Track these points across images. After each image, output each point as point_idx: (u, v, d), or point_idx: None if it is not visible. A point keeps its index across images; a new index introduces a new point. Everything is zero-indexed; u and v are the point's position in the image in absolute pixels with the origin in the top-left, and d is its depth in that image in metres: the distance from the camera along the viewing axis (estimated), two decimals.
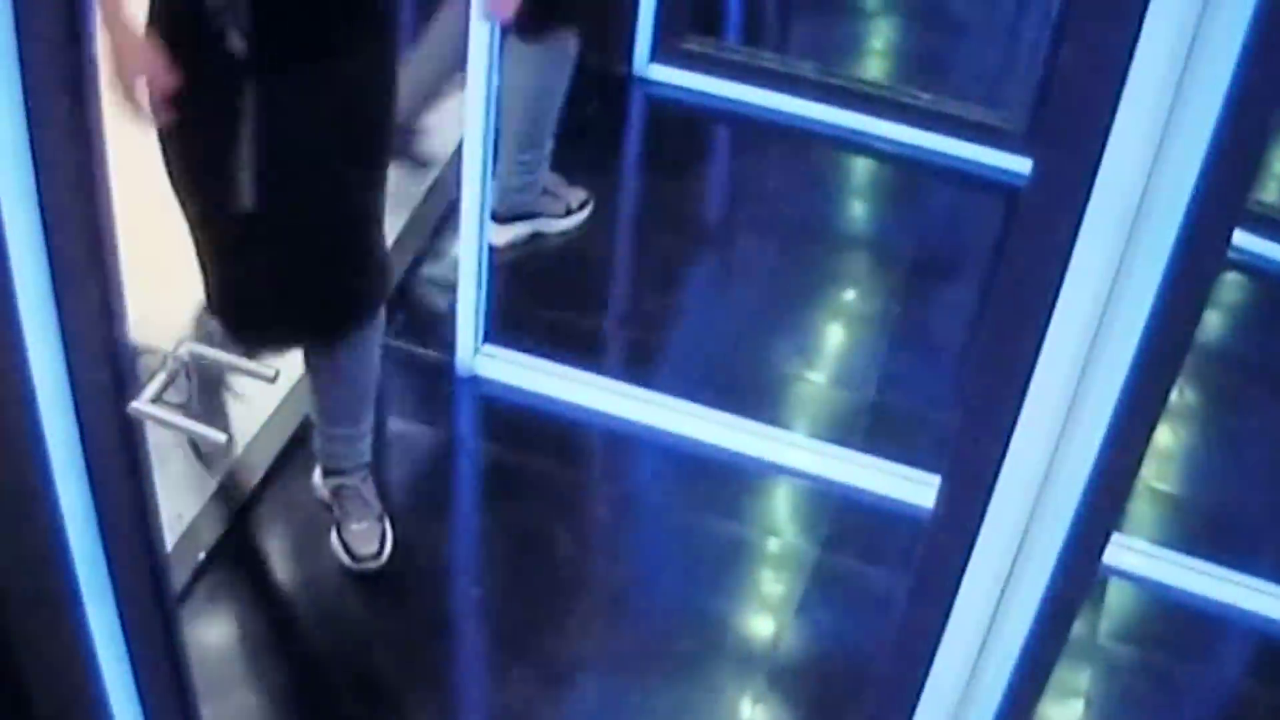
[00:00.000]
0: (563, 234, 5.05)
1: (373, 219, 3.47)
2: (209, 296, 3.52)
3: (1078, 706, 3.86)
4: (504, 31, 4.07)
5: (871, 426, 4.61)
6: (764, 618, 4.11)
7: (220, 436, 2.38)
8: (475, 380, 4.55)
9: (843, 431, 4.58)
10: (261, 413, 4.29)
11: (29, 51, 1.73)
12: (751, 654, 3.96)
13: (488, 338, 4.54)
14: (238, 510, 4.09)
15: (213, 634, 3.83)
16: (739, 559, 4.26)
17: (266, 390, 3.02)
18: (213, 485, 4.10)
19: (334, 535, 4.00)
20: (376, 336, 3.73)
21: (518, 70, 4.59)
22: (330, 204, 3.35)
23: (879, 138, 5.72)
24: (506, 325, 4.58)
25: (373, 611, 3.92)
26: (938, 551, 2.00)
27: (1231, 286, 5.24)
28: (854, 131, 5.74)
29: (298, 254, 3.40)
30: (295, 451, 4.25)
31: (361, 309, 3.63)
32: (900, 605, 2.01)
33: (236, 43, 3.00)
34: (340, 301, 3.59)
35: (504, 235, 4.96)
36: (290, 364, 3.82)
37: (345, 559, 3.97)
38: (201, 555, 3.93)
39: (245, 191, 3.18)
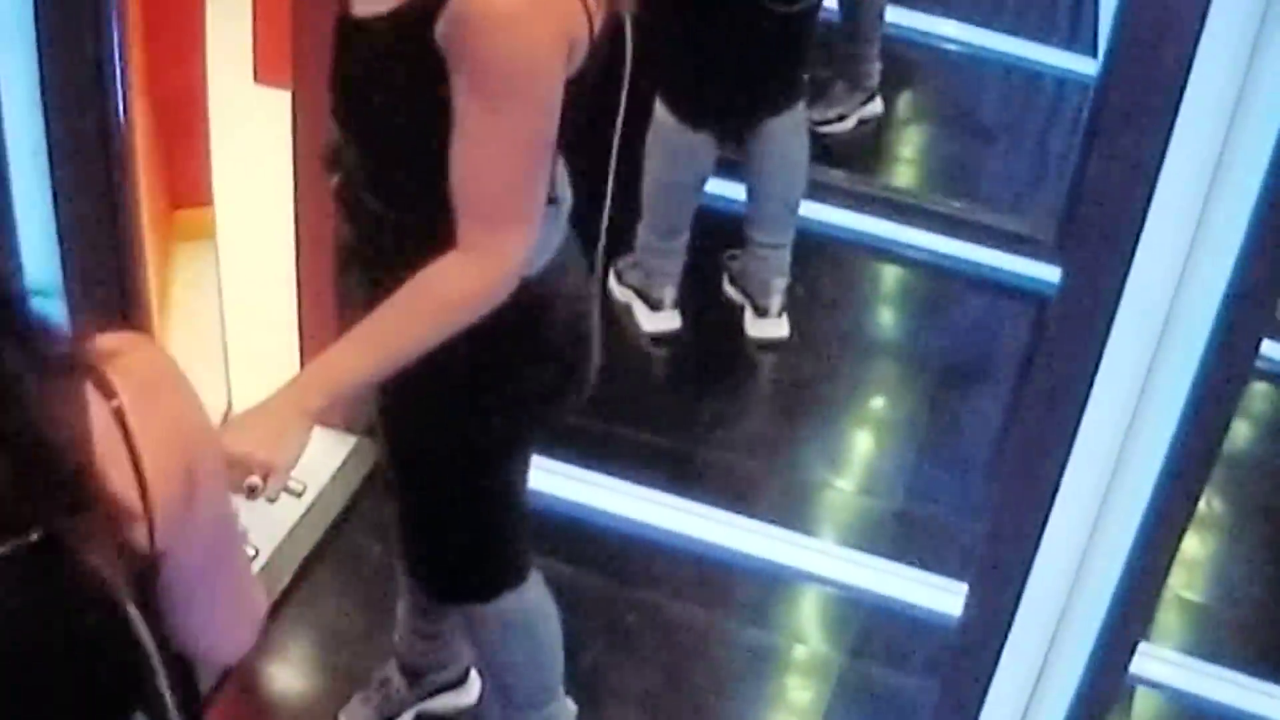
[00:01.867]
0: None
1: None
2: None
3: None
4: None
5: (899, 534, 4.60)
6: None
7: (248, 553, 2.41)
8: None
9: (870, 539, 4.58)
10: (284, 525, 4.27)
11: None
12: None
13: None
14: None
15: None
16: (766, 666, 4.25)
17: (291, 502, 3.02)
18: None
19: None
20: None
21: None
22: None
23: (908, 245, 5.73)
24: None
25: None
26: (965, 660, 2.00)
27: (1259, 396, 5.23)
28: (883, 239, 5.75)
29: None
30: (316, 565, 4.25)
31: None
32: (928, 714, 2.00)
33: None
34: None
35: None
36: (316, 477, 3.82)
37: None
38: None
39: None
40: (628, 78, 2.95)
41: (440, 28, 2.55)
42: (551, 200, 2.84)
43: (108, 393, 1.58)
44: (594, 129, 2.94)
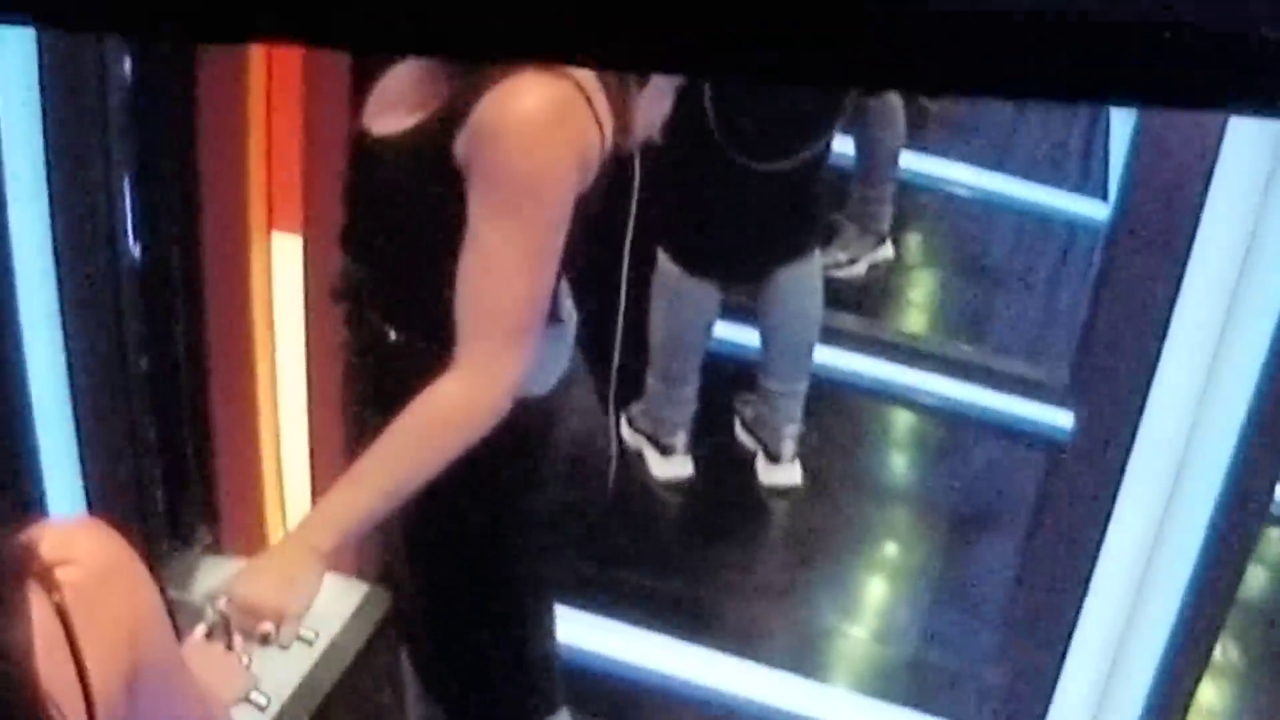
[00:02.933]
0: None
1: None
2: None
3: None
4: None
5: (914, 681, 4.57)
6: None
7: (260, 702, 2.40)
8: None
9: (885, 686, 4.54)
10: (296, 673, 4.24)
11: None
12: None
13: None
14: None
15: None
16: None
17: (303, 649, 2.99)
18: None
19: None
20: None
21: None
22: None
23: (920, 390, 5.73)
24: None
25: None
26: None
27: (1275, 541, 5.20)
28: (895, 384, 5.75)
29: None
30: (329, 714, 4.22)
31: None
32: None
33: None
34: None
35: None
36: (327, 624, 3.79)
37: None
38: None
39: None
40: (635, 204, 2.96)
41: (459, 142, 2.58)
42: (555, 320, 2.85)
43: (50, 586, 1.57)
44: (604, 255, 2.95)
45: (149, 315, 3.78)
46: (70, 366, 2.89)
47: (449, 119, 2.61)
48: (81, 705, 1.57)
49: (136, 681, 1.65)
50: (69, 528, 1.68)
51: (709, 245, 4.94)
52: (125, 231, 2.98)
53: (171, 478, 4.17)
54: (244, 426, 4.23)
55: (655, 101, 4.33)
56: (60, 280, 2.79)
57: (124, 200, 2.96)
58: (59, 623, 1.56)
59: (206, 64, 3.60)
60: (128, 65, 3.28)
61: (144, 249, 3.89)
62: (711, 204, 4.85)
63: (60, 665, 1.55)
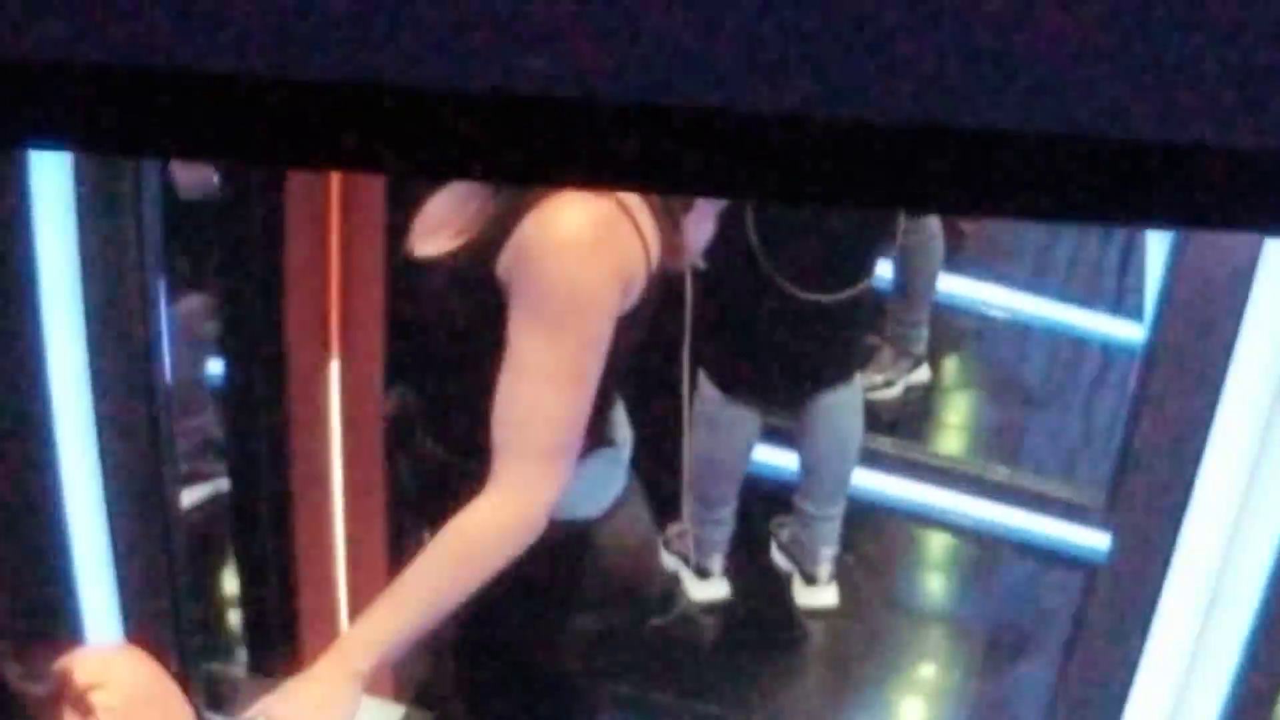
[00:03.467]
0: None
1: None
2: None
3: None
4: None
5: None
6: None
7: None
8: None
9: None
10: None
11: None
12: None
13: None
14: None
15: None
16: None
17: None
18: None
19: None
20: None
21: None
22: None
23: (956, 512, 5.71)
24: None
25: None
26: None
27: None
28: (931, 506, 5.74)
29: None
30: None
31: None
32: None
33: None
34: None
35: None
36: None
37: None
38: None
39: None
40: (689, 325, 2.97)
41: (501, 262, 2.60)
42: (610, 443, 2.85)
43: (85, 711, 1.59)
44: (658, 377, 2.96)
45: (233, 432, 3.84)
46: (106, 490, 2.90)
47: (492, 239, 2.63)
48: None
49: None
50: (105, 654, 1.70)
51: (751, 371, 4.94)
52: (161, 354, 2.99)
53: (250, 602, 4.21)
54: (322, 548, 4.23)
55: (699, 224, 4.36)
56: (96, 403, 2.81)
57: (160, 323, 2.98)
58: None
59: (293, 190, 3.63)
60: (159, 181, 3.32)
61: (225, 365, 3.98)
62: (756, 330, 4.85)
63: None
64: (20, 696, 1.55)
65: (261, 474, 3.98)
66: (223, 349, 4.26)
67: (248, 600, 4.25)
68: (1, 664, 1.55)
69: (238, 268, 3.72)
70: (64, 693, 1.58)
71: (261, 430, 3.91)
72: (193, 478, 5.04)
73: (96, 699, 1.59)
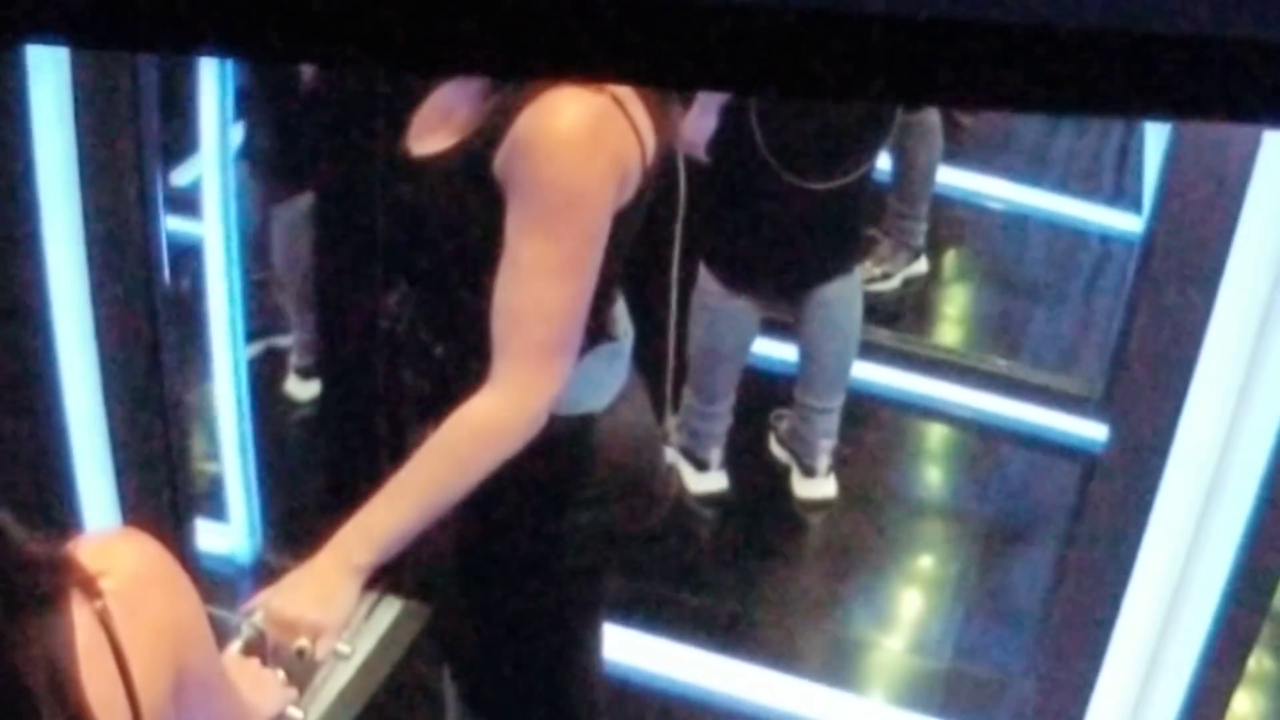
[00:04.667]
0: None
1: None
2: None
3: None
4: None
5: (949, 693, 4.56)
6: None
7: (297, 716, 2.41)
8: None
9: (920, 698, 4.54)
10: (331, 689, 4.25)
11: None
12: None
13: None
14: None
15: None
16: None
17: (339, 665, 2.99)
18: None
19: None
20: None
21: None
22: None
23: (954, 404, 5.73)
24: None
25: None
26: None
27: None
28: (930, 398, 5.75)
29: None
30: None
31: None
32: None
33: None
34: None
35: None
36: (363, 640, 3.79)
37: None
38: None
39: None
40: (681, 220, 2.97)
41: (498, 158, 2.60)
42: (611, 337, 2.86)
43: (92, 594, 1.58)
44: (653, 272, 2.96)
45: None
46: (105, 381, 2.91)
47: (488, 136, 2.63)
48: (128, 713, 1.59)
49: (180, 690, 1.66)
50: (109, 538, 1.70)
51: (752, 262, 4.95)
52: (160, 248, 2.99)
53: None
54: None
55: (701, 119, 4.34)
56: (95, 292, 2.81)
57: (159, 217, 2.97)
58: (102, 631, 1.58)
59: None
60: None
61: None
62: (756, 221, 4.85)
63: (105, 673, 1.57)
64: (23, 590, 1.55)
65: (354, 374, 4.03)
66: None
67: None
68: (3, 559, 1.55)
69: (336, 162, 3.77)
70: (69, 577, 1.58)
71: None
72: (249, 335, 5.25)
73: (103, 583, 1.60)
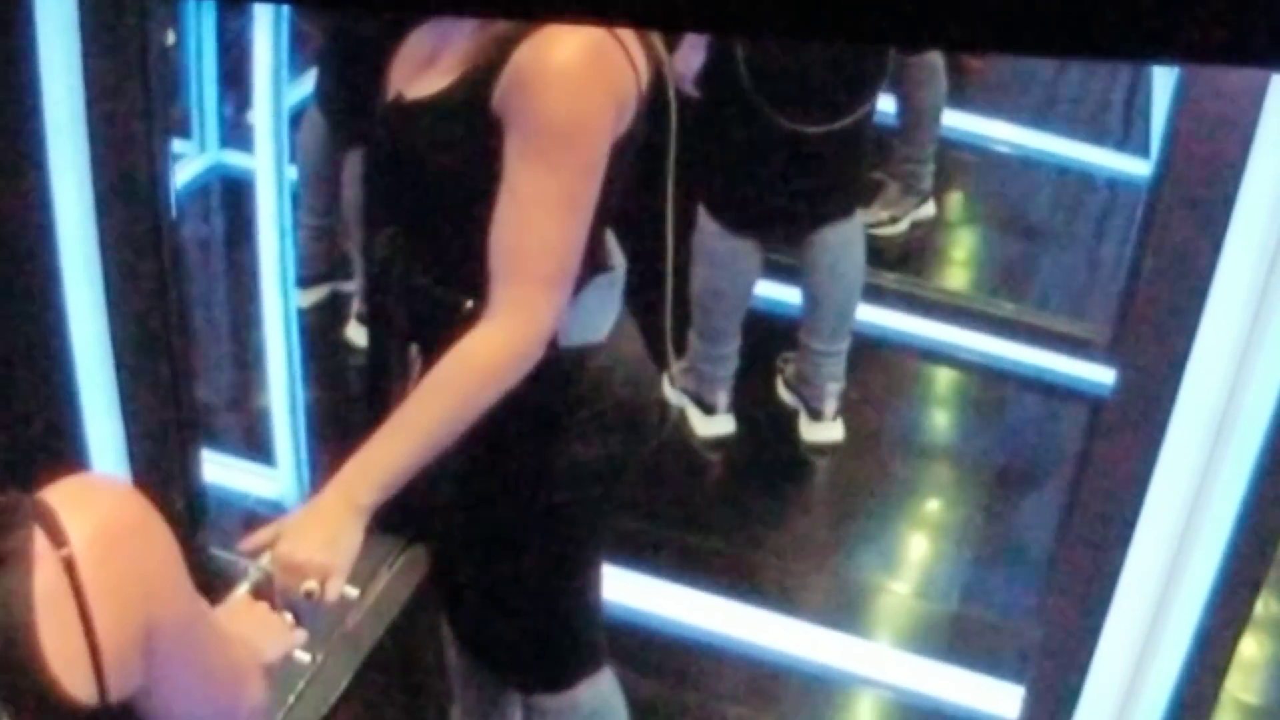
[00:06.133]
0: None
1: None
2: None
3: None
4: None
5: (954, 637, 4.57)
6: None
7: (304, 659, 2.42)
8: None
9: (925, 642, 4.55)
10: (339, 630, 4.25)
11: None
12: None
13: None
14: None
15: None
16: None
17: (346, 606, 2.98)
18: (289, 700, 4.07)
19: None
20: None
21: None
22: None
23: (961, 348, 5.72)
24: None
25: None
26: None
27: None
28: (937, 342, 5.75)
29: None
30: (371, 672, 4.24)
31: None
32: None
33: None
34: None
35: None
36: (370, 581, 3.80)
37: None
38: None
39: None
40: (673, 151, 2.98)
41: (496, 93, 2.61)
42: (605, 268, 2.87)
43: (59, 541, 1.56)
44: (650, 207, 2.96)
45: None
46: (112, 328, 2.91)
47: (485, 72, 2.64)
48: (89, 663, 1.57)
49: (153, 641, 1.64)
50: (83, 484, 1.67)
51: (749, 204, 4.93)
52: (168, 187, 2.99)
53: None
54: None
55: (689, 53, 4.33)
56: (102, 236, 2.81)
57: (166, 155, 2.98)
58: (66, 575, 1.55)
59: None
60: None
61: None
62: (750, 163, 4.83)
63: (67, 621, 1.55)
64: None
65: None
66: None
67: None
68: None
69: None
70: (35, 519, 1.55)
71: None
72: (314, 280, 5.48)
73: (71, 528, 1.56)
